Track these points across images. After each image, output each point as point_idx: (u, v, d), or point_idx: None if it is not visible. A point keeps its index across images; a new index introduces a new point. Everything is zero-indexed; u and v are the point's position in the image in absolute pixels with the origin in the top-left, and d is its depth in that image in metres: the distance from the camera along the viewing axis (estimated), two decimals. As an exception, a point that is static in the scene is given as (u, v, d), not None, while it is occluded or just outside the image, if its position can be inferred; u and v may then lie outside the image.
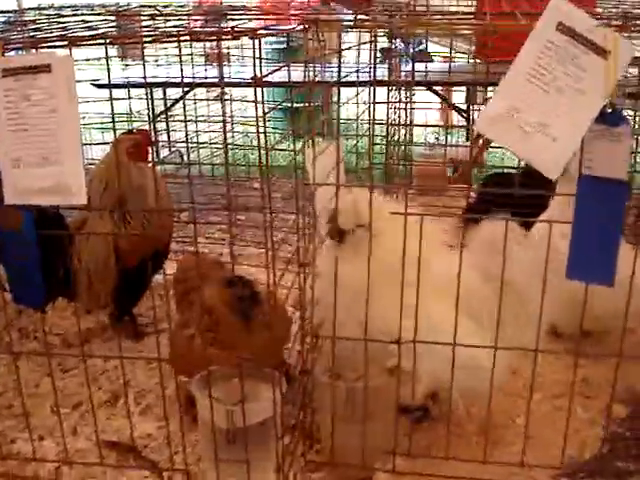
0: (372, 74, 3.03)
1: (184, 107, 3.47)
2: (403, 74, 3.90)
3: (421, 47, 7.42)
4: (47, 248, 2.33)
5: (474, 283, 1.98)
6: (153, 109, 5.84)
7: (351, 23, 1.91)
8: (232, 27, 1.66)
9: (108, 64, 1.73)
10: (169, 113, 5.16)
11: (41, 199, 1.74)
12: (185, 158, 5.30)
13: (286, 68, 1.87)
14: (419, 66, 4.85)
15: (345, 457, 2.07)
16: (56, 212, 2.67)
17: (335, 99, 2.10)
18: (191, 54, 4.40)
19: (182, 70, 1.60)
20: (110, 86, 1.58)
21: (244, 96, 5.19)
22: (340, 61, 1.90)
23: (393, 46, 3.77)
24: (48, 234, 2.21)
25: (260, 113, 1.64)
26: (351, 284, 1.96)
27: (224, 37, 1.64)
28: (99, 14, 3.09)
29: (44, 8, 3.58)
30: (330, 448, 2.06)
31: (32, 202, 1.75)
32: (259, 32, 1.64)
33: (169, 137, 5.76)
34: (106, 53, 1.70)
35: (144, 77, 1.63)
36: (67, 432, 2.25)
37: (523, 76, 1.61)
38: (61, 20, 2.53)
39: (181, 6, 3.79)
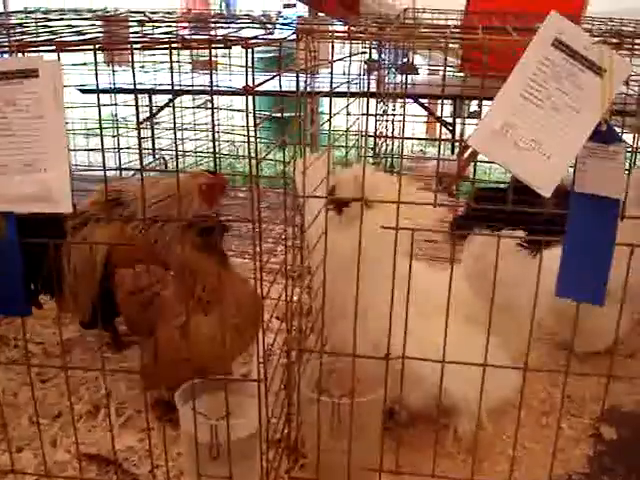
0: (363, 85, 3.03)
1: (176, 114, 3.38)
2: (391, 86, 3.89)
3: (405, 59, 7.43)
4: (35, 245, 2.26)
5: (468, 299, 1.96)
6: (138, 115, 5.80)
7: (345, 35, 1.88)
8: (224, 36, 1.64)
9: (97, 70, 1.69)
10: (155, 120, 5.12)
11: (25, 207, 1.69)
12: (169, 165, 5.27)
13: (275, 77, 1.85)
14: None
15: (330, 473, 2.03)
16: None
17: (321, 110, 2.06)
18: (178, 61, 4.37)
19: (172, 77, 1.56)
20: (98, 91, 1.55)
21: (230, 105, 5.16)
22: (332, 72, 1.87)
23: (379, 58, 3.76)
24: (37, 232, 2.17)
25: (250, 123, 1.62)
26: (344, 255, 1.97)
27: (216, 45, 1.62)
28: (87, 19, 3.06)
29: (31, 11, 3.54)
30: (315, 464, 2.03)
31: (15, 210, 1.71)
32: (252, 42, 1.61)
33: (154, 144, 5.72)
34: (95, 59, 1.67)
35: (133, 83, 1.61)
36: (46, 444, 2.20)
37: (518, 92, 1.59)
38: (49, 24, 2.49)
39: (169, 13, 3.76)
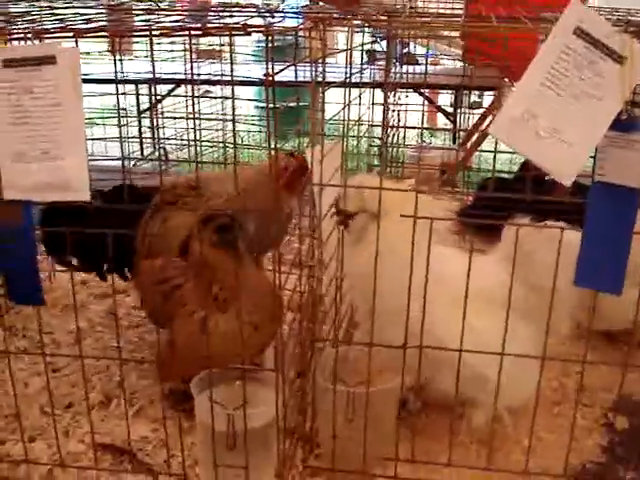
0: (369, 76, 3.02)
1: (179, 104, 3.34)
2: (397, 76, 3.88)
3: (406, 49, 7.43)
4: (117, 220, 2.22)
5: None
6: (138, 105, 5.80)
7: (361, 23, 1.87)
8: (244, 23, 1.63)
9: (115, 58, 1.68)
10: (160, 109, 5.10)
11: (42, 195, 1.69)
12: (170, 156, 5.25)
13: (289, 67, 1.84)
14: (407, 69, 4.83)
15: (345, 462, 2.03)
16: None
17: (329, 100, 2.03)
18: (184, 50, 4.33)
19: (192, 66, 1.55)
20: (117, 82, 1.54)
21: (236, 95, 5.14)
22: (351, 61, 1.86)
23: (387, 48, 3.75)
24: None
25: (254, 113, 1.61)
26: (355, 270, 1.96)
27: (236, 32, 1.60)
28: (92, 7, 3.04)
29: (35, -1, 3.50)
30: (330, 453, 2.03)
31: (32, 198, 1.70)
32: (272, 29, 1.60)
33: (153, 134, 5.71)
34: (113, 47, 1.66)
35: (152, 72, 1.58)
36: (59, 434, 2.18)
37: (539, 80, 1.58)
38: (56, 12, 2.47)
39: (173, 1, 3.74)
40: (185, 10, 2.92)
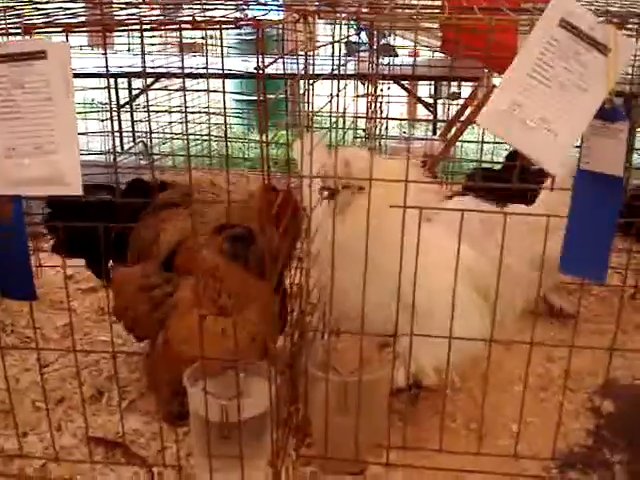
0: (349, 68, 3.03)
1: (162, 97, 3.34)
2: (380, 68, 3.90)
3: (383, 41, 7.43)
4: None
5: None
6: (118, 99, 5.79)
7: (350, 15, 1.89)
8: (235, 17, 1.64)
9: (106, 52, 1.68)
10: (144, 103, 5.08)
11: (34, 189, 1.69)
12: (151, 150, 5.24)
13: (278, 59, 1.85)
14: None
15: (337, 450, 2.06)
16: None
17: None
18: (165, 43, 4.32)
19: (183, 60, 1.56)
20: (129, 75, 1.54)
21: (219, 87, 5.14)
22: (340, 53, 1.88)
23: (360, 39, 3.78)
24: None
25: (232, 105, 1.62)
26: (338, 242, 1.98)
27: (226, 26, 1.62)
28: (74, 1, 3.02)
29: (15, -7, 3.47)
30: (322, 442, 2.05)
31: (24, 192, 1.71)
32: (262, 22, 1.61)
33: (133, 128, 5.71)
34: (104, 41, 1.66)
35: (143, 67, 1.58)
36: (52, 428, 2.19)
37: (526, 71, 1.61)
38: (40, 7, 2.46)
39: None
40: (169, 3, 2.92)
